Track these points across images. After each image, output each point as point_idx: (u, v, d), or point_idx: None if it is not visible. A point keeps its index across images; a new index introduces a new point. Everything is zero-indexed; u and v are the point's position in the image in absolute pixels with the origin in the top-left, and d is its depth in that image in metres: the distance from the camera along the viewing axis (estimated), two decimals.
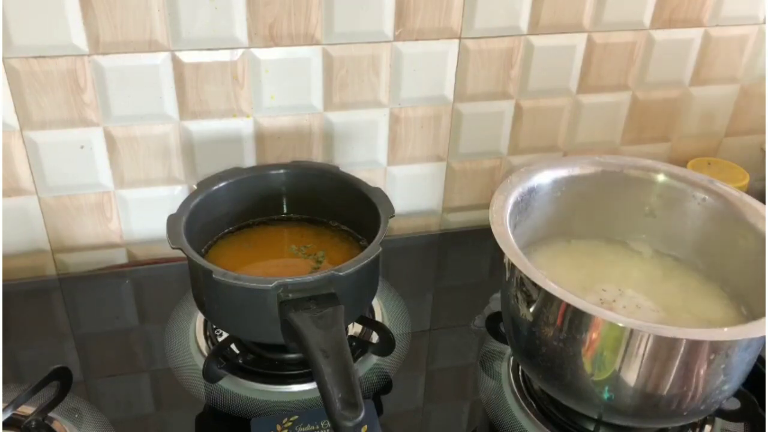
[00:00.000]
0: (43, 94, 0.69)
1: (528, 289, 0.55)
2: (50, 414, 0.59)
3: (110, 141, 0.74)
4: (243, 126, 0.77)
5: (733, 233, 0.62)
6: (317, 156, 0.81)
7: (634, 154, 0.91)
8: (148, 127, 0.74)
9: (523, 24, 0.79)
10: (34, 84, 0.69)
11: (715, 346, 0.50)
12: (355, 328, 0.70)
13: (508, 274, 0.59)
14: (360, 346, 0.69)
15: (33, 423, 0.58)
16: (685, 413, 0.55)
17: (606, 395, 0.54)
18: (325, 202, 0.72)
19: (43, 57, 0.68)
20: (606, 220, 0.68)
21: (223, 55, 0.72)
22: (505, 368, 0.68)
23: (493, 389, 0.66)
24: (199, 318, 0.71)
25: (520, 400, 0.64)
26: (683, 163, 0.90)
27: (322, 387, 0.51)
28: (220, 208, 0.70)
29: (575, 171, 0.66)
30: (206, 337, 0.69)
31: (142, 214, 0.79)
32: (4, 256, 0.77)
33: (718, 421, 0.62)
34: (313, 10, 0.72)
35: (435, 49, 0.78)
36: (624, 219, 0.68)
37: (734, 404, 0.61)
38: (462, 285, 0.82)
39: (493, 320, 0.69)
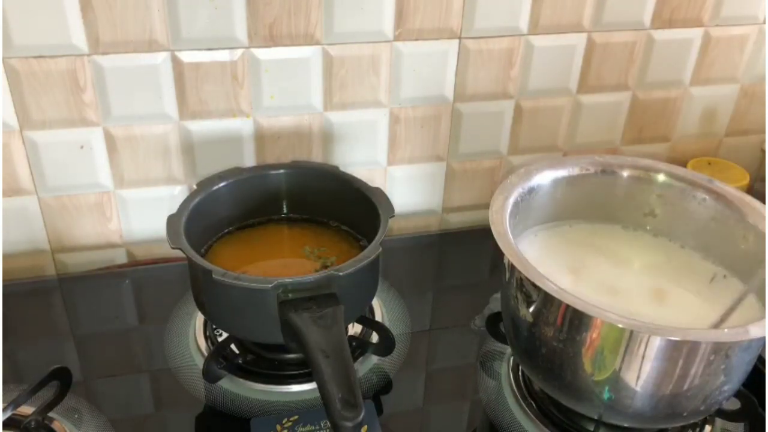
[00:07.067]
0: (43, 94, 0.69)
1: (528, 289, 0.55)
2: (50, 414, 0.59)
3: (110, 141, 0.74)
4: (243, 126, 0.77)
5: (733, 233, 0.62)
6: (317, 156, 0.81)
7: (634, 154, 0.91)
8: (148, 127, 0.74)
9: (523, 24, 0.79)
10: (34, 84, 0.69)
11: (715, 347, 0.50)
12: (355, 328, 0.70)
13: (508, 274, 0.59)
14: (360, 346, 0.69)
15: (33, 423, 0.58)
16: (685, 413, 0.55)
17: (606, 395, 0.54)
18: (325, 202, 0.72)
19: (43, 57, 0.68)
20: (606, 220, 0.68)
21: (223, 55, 0.72)
22: (505, 368, 0.68)
23: (493, 389, 0.66)
24: (199, 318, 0.71)
25: (520, 400, 0.64)
26: (683, 163, 0.90)
27: (322, 387, 0.51)
28: (220, 208, 0.70)
29: (575, 171, 0.66)
30: (206, 337, 0.69)
31: (142, 214, 0.79)
32: (4, 256, 0.77)
33: (718, 421, 0.62)
34: (313, 10, 0.72)
35: (435, 49, 0.78)
36: (624, 219, 0.68)
37: (734, 404, 0.61)
38: (462, 285, 0.82)
39: (493, 320, 0.68)
